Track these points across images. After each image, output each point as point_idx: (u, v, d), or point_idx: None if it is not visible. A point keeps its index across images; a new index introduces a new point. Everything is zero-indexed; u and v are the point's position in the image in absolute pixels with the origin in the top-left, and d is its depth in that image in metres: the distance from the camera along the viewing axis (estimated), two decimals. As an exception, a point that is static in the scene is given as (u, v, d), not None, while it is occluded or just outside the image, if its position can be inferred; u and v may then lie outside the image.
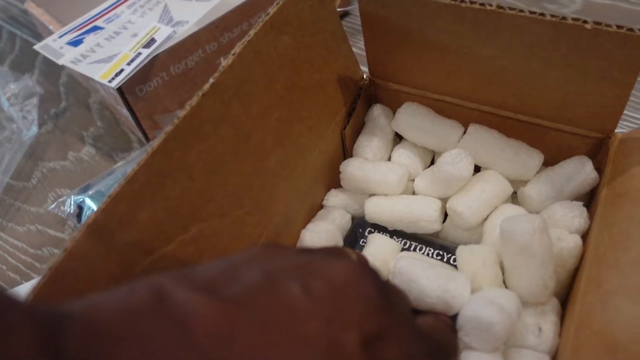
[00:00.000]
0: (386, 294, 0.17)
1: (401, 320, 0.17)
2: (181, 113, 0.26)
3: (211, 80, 0.27)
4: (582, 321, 0.24)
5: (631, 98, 0.43)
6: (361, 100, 0.38)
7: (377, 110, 0.38)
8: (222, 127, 0.27)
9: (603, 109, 0.30)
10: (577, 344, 0.24)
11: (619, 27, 0.26)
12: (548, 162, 0.34)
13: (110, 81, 0.40)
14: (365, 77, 0.38)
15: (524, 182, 0.34)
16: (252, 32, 0.29)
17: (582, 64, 0.28)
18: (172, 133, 0.25)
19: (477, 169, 0.34)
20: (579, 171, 0.32)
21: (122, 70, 0.41)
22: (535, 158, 0.34)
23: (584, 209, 0.31)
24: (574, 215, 0.31)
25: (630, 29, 0.25)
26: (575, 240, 0.29)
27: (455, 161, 0.32)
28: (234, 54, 0.28)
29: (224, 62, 0.28)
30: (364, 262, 0.19)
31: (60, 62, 0.43)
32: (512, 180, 0.34)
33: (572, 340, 0.24)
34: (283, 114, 0.31)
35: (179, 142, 0.25)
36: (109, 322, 0.13)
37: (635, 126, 0.42)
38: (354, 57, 0.37)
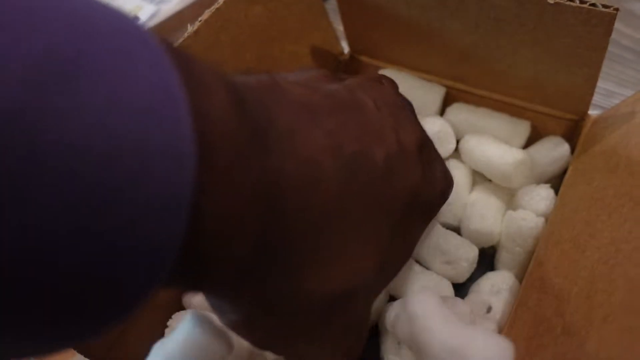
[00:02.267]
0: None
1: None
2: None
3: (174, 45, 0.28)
4: (521, 299, 0.24)
5: (615, 74, 0.42)
6: (340, 76, 0.38)
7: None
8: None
9: (574, 88, 0.30)
10: (513, 321, 0.24)
11: (582, 2, 0.25)
12: (525, 144, 0.34)
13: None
14: (346, 52, 0.38)
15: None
16: (221, 0, 0.29)
17: (549, 41, 0.28)
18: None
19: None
20: (554, 151, 0.32)
21: None
22: (522, 124, 0.33)
23: (551, 191, 0.30)
24: (540, 198, 0.30)
25: (593, 4, 0.25)
26: (536, 221, 0.28)
27: (438, 140, 0.32)
28: (200, 21, 0.29)
29: (190, 28, 0.28)
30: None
31: None
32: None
33: (510, 318, 0.24)
34: (252, 84, 0.32)
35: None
36: (254, 86, 0.15)
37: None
38: (333, 32, 0.37)
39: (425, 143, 0.20)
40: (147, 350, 0.26)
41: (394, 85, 0.24)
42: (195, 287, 0.14)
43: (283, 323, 0.16)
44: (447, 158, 0.33)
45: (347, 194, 0.16)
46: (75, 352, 0.24)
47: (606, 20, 0.25)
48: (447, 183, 0.22)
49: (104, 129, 0.09)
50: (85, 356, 0.24)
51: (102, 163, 0.09)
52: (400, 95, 0.22)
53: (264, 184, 0.13)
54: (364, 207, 0.16)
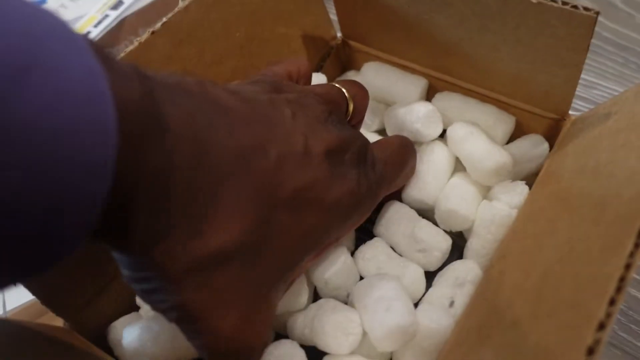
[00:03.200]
0: (350, 128, 0.25)
1: (359, 142, 0.24)
2: (128, 48, 0.27)
3: (164, 19, 0.28)
4: (481, 290, 0.25)
5: (597, 65, 0.42)
6: (332, 61, 0.38)
7: (350, 74, 0.38)
8: (170, 68, 0.29)
9: (555, 88, 0.30)
10: (471, 310, 0.25)
11: (564, 3, 0.25)
12: (510, 137, 0.34)
13: (76, 44, 0.41)
14: (338, 37, 0.38)
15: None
16: (213, -21, 0.30)
17: (531, 41, 0.28)
18: (115, 66, 0.26)
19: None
20: (534, 149, 0.32)
21: (88, 32, 0.41)
22: (507, 117, 0.33)
23: (526, 188, 0.31)
24: (515, 194, 0.31)
25: (575, 6, 0.25)
26: (510, 212, 0.29)
27: (427, 122, 0.32)
28: (191, -2, 0.29)
29: (181, 4, 0.29)
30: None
31: None
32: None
33: (468, 307, 0.25)
34: (240, 64, 0.32)
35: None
36: (171, 83, 0.18)
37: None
38: (327, 17, 0.37)
39: (337, 150, 0.23)
40: (118, 313, 0.27)
41: (361, 93, 0.28)
42: (106, 243, 0.17)
43: (164, 282, 0.18)
44: (434, 140, 0.33)
45: (231, 175, 0.19)
46: (48, 310, 0.25)
47: (587, 22, 0.25)
48: (361, 187, 0.24)
49: (52, 110, 0.12)
50: (57, 315, 0.25)
51: (48, 137, 0.12)
52: (336, 112, 0.25)
53: (160, 157, 0.16)
54: (242, 188, 0.19)
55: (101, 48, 0.16)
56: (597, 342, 0.16)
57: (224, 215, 0.19)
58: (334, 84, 0.26)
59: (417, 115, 0.31)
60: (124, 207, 0.16)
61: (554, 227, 0.23)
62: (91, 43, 0.15)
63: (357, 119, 0.28)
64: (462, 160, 0.32)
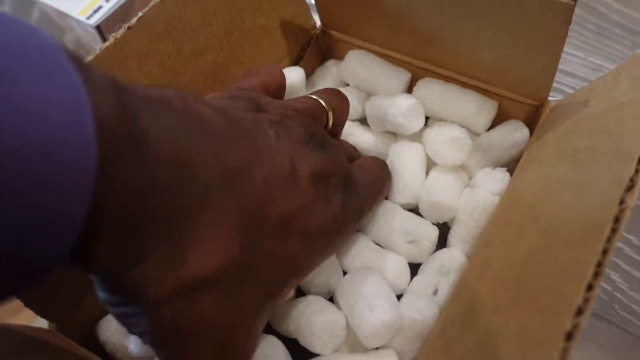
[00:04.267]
0: (333, 151, 0.24)
1: (343, 166, 0.24)
2: (104, 44, 0.27)
3: (140, 14, 0.28)
4: (464, 277, 0.25)
5: (605, 49, 0.42)
6: (312, 51, 0.38)
7: (329, 63, 0.38)
8: (148, 63, 0.28)
9: (535, 75, 0.30)
10: (455, 297, 0.25)
11: (542, -10, 0.25)
12: (492, 123, 0.34)
13: (88, 18, 0.39)
14: (317, 26, 0.38)
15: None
16: (189, -29, 0.29)
17: (512, 28, 0.28)
18: (92, 63, 0.26)
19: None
20: (513, 135, 0.32)
21: (100, 7, 0.40)
22: (490, 102, 0.33)
23: (506, 174, 0.31)
24: (496, 180, 0.31)
25: (552, -6, 0.25)
26: (493, 198, 0.29)
27: (410, 115, 0.32)
28: (167, -9, 0.28)
29: (156, -2, 0.28)
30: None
31: None
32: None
33: (453, 294, 0.25)
34: (220, 56, 0.32)
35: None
36: (151, 97, 0.17)
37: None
38: (306, 6, 0.37)
39: (323, 174, 0.22)
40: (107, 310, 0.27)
41: (342, 106, 0.28)
42: (78, 265, 0.16)
43: (138, 307, 0.17)
44: (410, 136, 0.33)
45: (215, 198, 0.18)
46: (33, 313, 0.24)
47: (564, 10, 0.25)
48: (345, 212, 0.24)
49: (29, 127, 0.12)
50: (42, 317, 0.25)
51: (26, 153, 0.12)
52: (317, 134, 0.24)
53: (138, 178, 0.15)
54: (227, 212, 0.18)
55: (79, 60, 0.15)
56: (575, 327, 0.17)
57: (206, 239, 0.18)
58: (312, 96, 0.26)
59: (400, 109, 0.31)
60: (95, 229, 0.15)
61: (536, 214, 0.23)
62: (71, 55, 0.14)
63: (336, 129, 0.27)
64: (429, 154, 0.32)
